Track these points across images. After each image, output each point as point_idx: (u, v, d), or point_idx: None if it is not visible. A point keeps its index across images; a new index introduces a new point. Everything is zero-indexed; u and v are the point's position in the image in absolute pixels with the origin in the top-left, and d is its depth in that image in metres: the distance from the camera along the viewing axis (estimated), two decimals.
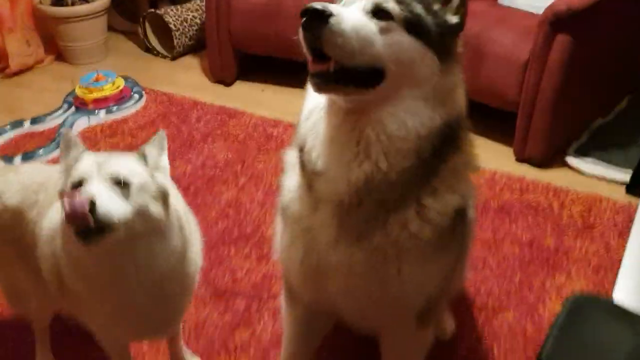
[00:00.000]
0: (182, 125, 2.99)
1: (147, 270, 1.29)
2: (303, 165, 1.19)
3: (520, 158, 2.67)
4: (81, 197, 1.14)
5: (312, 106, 1.18)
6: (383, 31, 1.06)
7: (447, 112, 1.11)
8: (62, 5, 3.61)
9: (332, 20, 1.00)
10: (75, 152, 1.31)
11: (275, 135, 2.85)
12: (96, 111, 3.06)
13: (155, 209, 1.26)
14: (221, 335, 1.83)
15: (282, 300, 1.54)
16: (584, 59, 2.52)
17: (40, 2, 3.61)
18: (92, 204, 1.14)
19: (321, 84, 1.06)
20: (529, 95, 2.55)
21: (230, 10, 3.20)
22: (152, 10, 3.71)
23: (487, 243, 2.16)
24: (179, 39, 3.62)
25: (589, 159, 2.62)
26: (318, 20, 1.00)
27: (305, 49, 1.05)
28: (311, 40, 1.03)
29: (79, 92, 3.14)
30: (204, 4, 3.71)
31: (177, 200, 1.42)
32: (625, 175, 2.47)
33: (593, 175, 2.54)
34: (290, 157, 1.29)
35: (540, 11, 2.48)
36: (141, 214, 1.22)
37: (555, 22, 2.39)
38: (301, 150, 1.19)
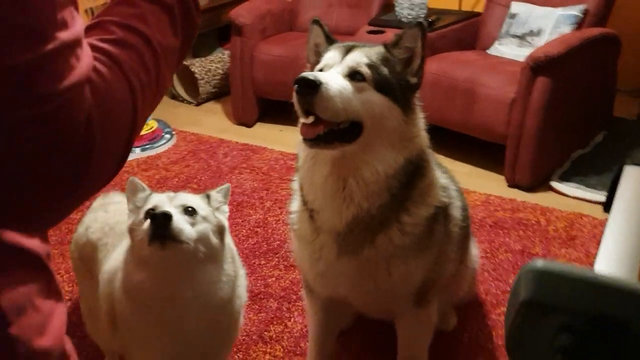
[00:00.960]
0: (211, 160, 3.36)
1: (204, 296, 1.37)
2: (304, 201, 1.51)
3: (511, 184, 3.04)
4: (161, 210, 1.30)
5: (305, 155, 1.45)
6: (358, 90, 1.33)
7: (409, 152, 1.39)
8: None
9: (322, 87, 1.25)
10: (142, 194, 1.43)
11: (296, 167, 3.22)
12: (132, 148, 3.44)
13: (214, 239, 1.38)
14: (258, 329, 2.14)
15: (304, 295, 1.87)
16: (562, 98, 2.93)
17: None
18: (169, 217, 1.28)
19: (313, 145, 1.33)
20: (515, 130, 2.94)
21: (253, 61, 3.64)
22: None
23: (484, 252, 2.51)
24: (204, 87, 4.05)
25: (571, 184, 2.99)
26: (310, 87, 1.25)
27: (298, 109, 1.31)
28: (304, 103, 1.28)
29: None
30: (225, 56, 4.17)
31: (229, 239, 1.53)
32: (601, 197, 2.82)
33: (574, 197, 2.91)
34: (295, 184, 1.62)
35: (523, 59, 2.91)
36: (203, 239, 1.34)
37: (535, 67, 2.80)
38: (302, 189, 1.51)
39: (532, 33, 3.29)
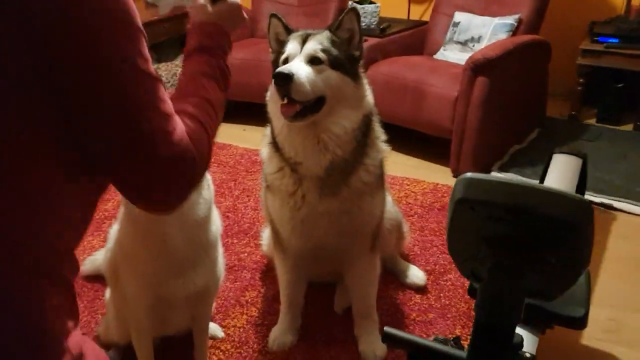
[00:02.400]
0: None
1: (185, 215, 1.56)
2: (284, 158, 1.83)
3: (456, 174, 3.37)
4: None
5: (280, 125, 1.79)
6: (319, 71, 1.73)
7: (363, 110, 1.79)
8: None
9: (294, 78, 1.64)
10: None
11: (259, 160, 3.44)
12: None
13: None
14: (235, 295, 2.38)
15: (276, 260, 2.13)
16: (499, 96, 3.29)
17: None
18: None
19: (293, 120, 1.69)
20: (459, 124, 3.28)
21: None
22: None
23: (433, 231, 2.81)
24: (170, 90, 4.26)
25: (509, 174, 3.34)
26: (285, 79, 1.64)
27: (277, 95, 1.70)
28: (282, 91, 1.66)
29: None
30: None
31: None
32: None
33: None
34: (265, 152, 1.94)
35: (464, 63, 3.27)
36: None
37: (475, 68, 3.15)
38: (281, 150, 1.83)
39: (473, 40, 3.67)
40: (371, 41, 3.70)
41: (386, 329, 1.25)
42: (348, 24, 1.78)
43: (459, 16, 3.79)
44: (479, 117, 3.22)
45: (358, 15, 1.78)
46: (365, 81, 1.85)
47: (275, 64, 1.83)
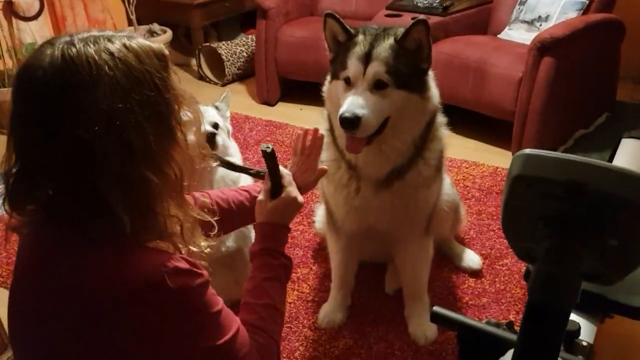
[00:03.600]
0: (238, 133, 3.61)
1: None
2: (343, 157, 1.81)
3: None
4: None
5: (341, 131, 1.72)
6: (383, 96, 1.66)
7: (425, 120, 1.74)
8: None
9: (362, 121, 1.59)
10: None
11: None
12: None
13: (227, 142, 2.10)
14: None
15: (329, 239, 2.13)
16: (566, 78, 3.15)
17: None
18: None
19: (360, 152, 1.68)
20: (522, 107, 3.17)
21: (277, 43, 3.89)
22: (208, 44, 4.41)
23: (490, 215, 2.74)
24: (229, 68, 4.30)
25: None
26: (353, 124, 1.59)
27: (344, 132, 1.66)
28: (348, 131, 1.62)
29: None
30: (249, 40, 4.42)
31: None
32: None
33: None
34: (325, 138, 1.89)
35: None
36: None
37: (541, 47, 3.03)
38: (341, 151, 1.80)
39: (540, 19, 3.52)
40: (433, 20, 3.60)
41: (435, 308, 1.22)
42: (415, 34, 1.63)
43: None
44: (544, 99, 3.09)
45: (428, 28, 1.63)
46: (432, 87, 1.75)
47: (335, 69, 1.75)
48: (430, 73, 1.76)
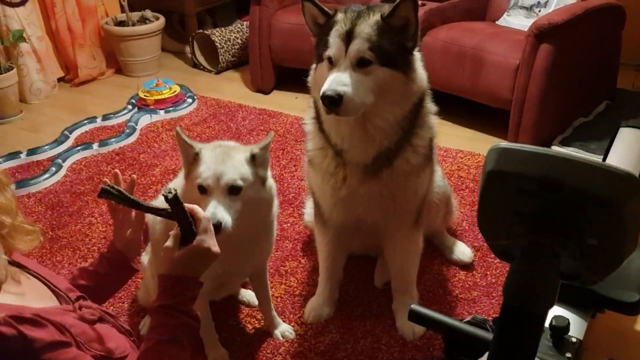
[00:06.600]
0: (231, 122, 3.56)
1: (248, 219, 1.63)
2: (328, 140, 1.75)
3: None
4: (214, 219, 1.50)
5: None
6: (366, 73, 1.60)
7: (413, 99, 1.67)
8: (124, 25, 4.25)
9: (344, 99, 1.54)
10: (191, 149, 1.62)
11: None
12: (157, 110, 3.65)
13: (257, 194, 1.64)
14: (275, 265, 2.35)
15: (316, 232, 2.08)
16: (565, 65, 3.07)
17: (106, 23, 4.25)
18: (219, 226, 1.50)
19: (339, 116, 1.61)
20: (519, 95, 3.09)
21: (271, 30, 3.81)
22: (201, 31, 4.34)
23: None
24: (223, 55, 4.24)
25: (571, 148, 3.14)
26: (335, 102, 1.54)
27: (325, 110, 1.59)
28: (330, 109, 1.57)
29: (141, 94, 3.74)
30: (244, 27, 4.35)
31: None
32: (599, 158, 2.98)
33: None
34: (309, 126, 1.87)
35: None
36: (248, 204, 1.60)
37: (539, 34, 2.95)
38: (327, 137, 1.75)
39: (539, 4, 3.44)
40: (430, 5, 3.53)
41: (413, 306, 1.18)
42: (403, 11, 1.58)
43: None
44: (541, 87, 3.02)
45: (415, 4, 1.57)
46: (418, 63, 1.70)
47: (318, 52, 1.69)
48: (418, 54, 1.71)
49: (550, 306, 0.92)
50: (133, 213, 1.46)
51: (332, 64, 1.61)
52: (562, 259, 0.91)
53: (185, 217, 1.22)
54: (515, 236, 0.95)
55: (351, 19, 1.61)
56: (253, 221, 1.67)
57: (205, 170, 1.56)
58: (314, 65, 1.75)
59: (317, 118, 1.78)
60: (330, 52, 1.61)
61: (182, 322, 1.20)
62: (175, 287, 1.21)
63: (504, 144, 0.91)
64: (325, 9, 1.68)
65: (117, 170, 1.48)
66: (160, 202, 1.31)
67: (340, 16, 1.64)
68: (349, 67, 1.58)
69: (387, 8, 1.62)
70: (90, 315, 1.23)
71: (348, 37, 1.59)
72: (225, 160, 1.58)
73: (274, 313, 2.04)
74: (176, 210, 1.21)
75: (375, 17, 1.61)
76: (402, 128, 1.69)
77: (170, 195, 1.18)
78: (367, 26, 1.59)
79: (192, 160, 1.62)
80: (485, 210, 0.98)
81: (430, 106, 1.80)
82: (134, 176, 1.48)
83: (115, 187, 1.24)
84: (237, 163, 1.58)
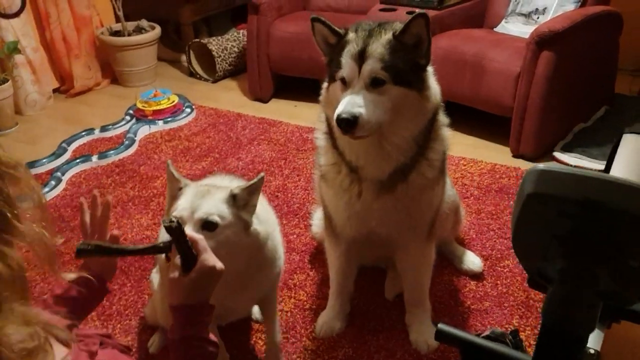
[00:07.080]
0: (230, 132, 3.54)
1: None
2: (343, 159, 1.74)
3: (516, 154, 3.21)
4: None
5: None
6: (380, 93, 1.59)
7: (426, 117, 1.67)
8: (119, 35, 4.21)
9: (359, 121, 1.53)
10: (177, 184, 1.57)
11: (311, 139, 3.37)
12: (155, 121, 3.62)
13: (237, 237, 1.52)
14: (283, 278, 2.31)
15: (327, 245, 2.06)
16: (565, 72, 3.08)
17: (102, 33, 4.21)
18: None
19: (354, 138, 1.60)
20: (520, 102, 3.10)
21: (269, 39, 3.80)
22: (198, 40, 4.31)
23: (490, 214, 2.68)
24: (221, 64, 4.21)
25: (573, 154, 3.16)
26: (351, 124, 1.53)
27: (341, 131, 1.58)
28: (346, 131, 1.56)
29: (139, 105, 3.71)
30: (240, 35, 4.33)
31: (263, 207, 1.68)
32: (601, 165, 2.99)
33: (576, 166, 3.07)
34: (321, 141, 1.84)
35: (528, 36, 3.06)
36: (223, 246, 1.46)
37: (540, 41, 2.96)
38: (341, 153, 1.74)
39: (537, 11, 3.45)
40: (428, 13, 3.53)
41: (440, 325, 1.16)
42: (415, 29, 1.57)
43: None
44: (543, 94, 3.03)
45: (428, 22, 1.56)
46: (431, 79, 1.69)
47: (330, 72, 1.67)
48: (431, 70, 1.70)
49: (593, 328, 0.91)
50: (109, 234, 1.39)
51: (346, 84, 1.60)
52: (601, 281, 0.90)
53: (186, 243, 1.19)
54: (553, 258, 0.94)
55: (363, 38, 1.60)
56: (238, 263, 1.57)
57: (183, 202, 1.51)
58: (325, 84, 1.73)
59: (330, 134, 1.76)
60: (343, 72, 1.60)
61: (205, 351, 1.19)
62: (191, 316, 1.20)
63: (542, 165, 0.90)
64: (336, 28, 1.66)
65: (82, 199, 1.41)
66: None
67: (351, 35, 1.62)
68: (363, 87, 1.57)
69: (399, 25, 1.61)
70: (93, 345, 1.19)
71: (361, 57, 1.57)
72: (205, 196, 1.52)
73: (277, 339, 1.93)
74: (178, 237, 1.18)
75: (387, 36, 1.59)
76: (417, 143, 1.68)
77: (173, 225, 1.16)
78: (380, 45, 1.58)
79: (176, 194, 1.57)
80: (521, 232, 0.96)
81: (443, 119, 1.79)
82: (109, 197, 1.41)
83: (92, 242, 1.20)
84: (215, 200, 1.52)
